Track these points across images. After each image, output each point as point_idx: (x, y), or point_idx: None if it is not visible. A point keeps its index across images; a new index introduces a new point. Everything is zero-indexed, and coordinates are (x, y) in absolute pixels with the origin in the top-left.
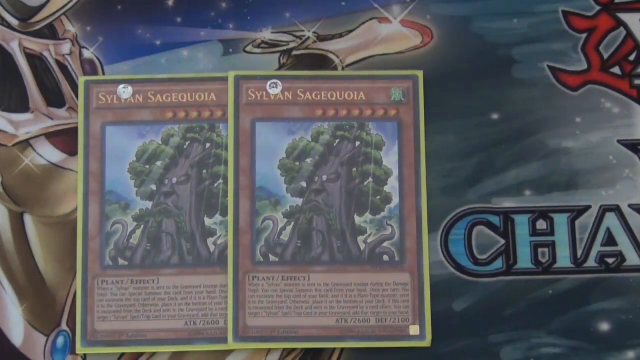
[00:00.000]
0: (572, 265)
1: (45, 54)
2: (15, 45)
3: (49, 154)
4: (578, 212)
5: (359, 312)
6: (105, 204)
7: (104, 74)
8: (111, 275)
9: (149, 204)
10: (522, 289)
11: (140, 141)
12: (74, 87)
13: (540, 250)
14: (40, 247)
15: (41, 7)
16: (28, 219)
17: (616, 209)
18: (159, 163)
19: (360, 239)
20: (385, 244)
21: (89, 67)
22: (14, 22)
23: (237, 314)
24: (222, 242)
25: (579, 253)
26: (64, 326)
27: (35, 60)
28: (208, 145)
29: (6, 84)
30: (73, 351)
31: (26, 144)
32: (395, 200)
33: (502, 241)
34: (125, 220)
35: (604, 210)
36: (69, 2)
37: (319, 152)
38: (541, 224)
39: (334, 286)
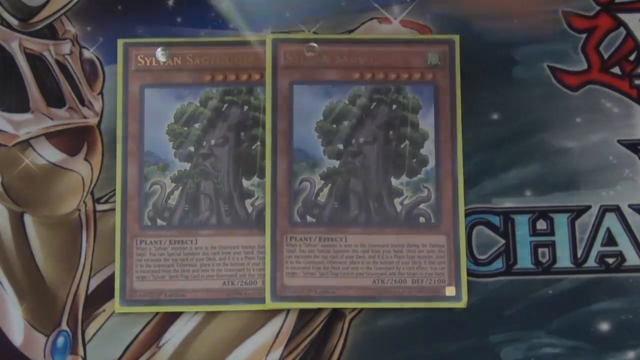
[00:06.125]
0: (572, 265)
1: (45, 54)
2: (15, 45)
3: (49, 154)
4: (578, 212)
5: (395, 272)
6: (144, 165)
7: (104, 74)
8: (150, 235)
9: (187, 166)
10: (522, 289)
11: (179, 103)
12: (74, 87)
13: (540, 250)
14: (40, 247)
15: (41, 7)
16: (28, 219)
17: (616, 209)
18: (197, 125)
19: (397, 200)
20: (421, 206)
21: (89, 67)
22: (14, 22)
23: (275, 274)
24: (259, 203)
25: (579, 253)
26: (64, 326)
27: (35, 60)
28: (246, 107)
29: (6, 84)
30: (73, 351)
31: (26, 144)
32: (432, 162)
33: (502, 241)
34: (164, 181)
35: (604, 210)
36: (69, 2)
37: (356, 115)
38: (541, 224)
39: (371, 247)
